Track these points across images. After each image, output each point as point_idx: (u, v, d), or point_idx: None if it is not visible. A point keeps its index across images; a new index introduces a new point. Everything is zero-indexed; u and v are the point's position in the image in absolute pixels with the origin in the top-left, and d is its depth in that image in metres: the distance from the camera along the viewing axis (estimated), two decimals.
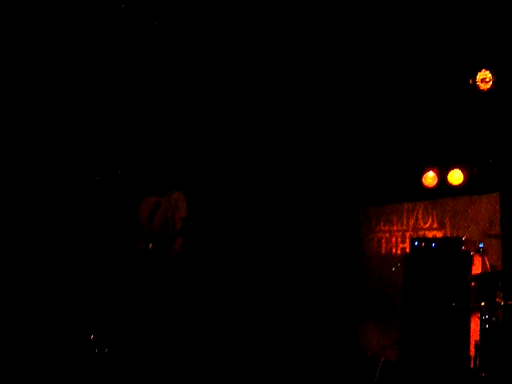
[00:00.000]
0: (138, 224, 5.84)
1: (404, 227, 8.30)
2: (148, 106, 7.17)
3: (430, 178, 7.84)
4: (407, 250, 7.56)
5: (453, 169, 7.59)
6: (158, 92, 7.16)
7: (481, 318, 5.79)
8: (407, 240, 8.07)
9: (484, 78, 6.66)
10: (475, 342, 5.80)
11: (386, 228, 8.51)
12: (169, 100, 7.26)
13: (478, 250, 6.54)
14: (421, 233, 8.05)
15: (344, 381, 6.43)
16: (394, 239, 8.40)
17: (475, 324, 6.04)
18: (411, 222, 8.25)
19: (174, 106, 7.30)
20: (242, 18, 6.46)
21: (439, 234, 7.85)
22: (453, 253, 6.66)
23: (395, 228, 8.41)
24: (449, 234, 7.71)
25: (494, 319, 5.69)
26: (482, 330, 5.74)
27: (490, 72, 6.59)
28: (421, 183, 7.89)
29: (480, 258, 6.50)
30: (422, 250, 6.97)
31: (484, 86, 6.64)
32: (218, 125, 7.68)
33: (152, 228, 5.68)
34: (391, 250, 8.37)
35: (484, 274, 6.34)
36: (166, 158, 5.95)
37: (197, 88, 7.30)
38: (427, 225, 8.06)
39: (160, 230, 5.68)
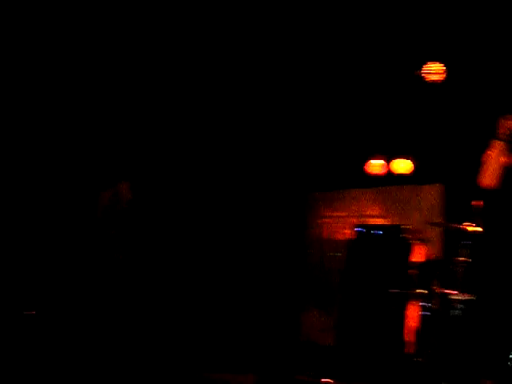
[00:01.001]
0: (96, 216, 5.95)
1: (349, 213, 8.37)
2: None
3: (376, 166, 7.92)
4: (351, 237, 7.62)
5: (399, 158, 7.69)
6: (106, 86, 7.07)
7: (419, 305, 5.90)
8: (351, 227, 8.13)
9: (432, 69, 6.75)
10: (412, 327, 5.92)
11: (331, 214, 8.56)
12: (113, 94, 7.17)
13: (419, 239, 6.65)
14: (365, 220, 8.14)
15: (284, 366, 6.47)
16: (338, 225, 8.46)
17: (414, 311, 6.16)
18: (356, 209, 8.33)
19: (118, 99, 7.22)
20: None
21: (383, 222, 7.95)
22: (395, 240, 6.77)
23: (340, 214, 8.47)
24: (392, 223, 7.82)
25: (431, 306, 5.80)
26: (420, 317, 5.85)
27: (438, 64, 6.68)
28: (367, 171, 7.97)
29: (421, 247, 6.61)
30: (365, 236, 7.06)
31: (431, 78, 6.73)
32: (160, 112, 7.60)
33: (107, 219, 5.83)
34: (335, 235, 8.44)
35: (424, 262, 6.45)
36: (114, 152, 6.00)
37: (142, 82, 7.21)
38: (372, 212, 8.15)
39: (114, 220, 5.84)
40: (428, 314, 5.73)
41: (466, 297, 5.27)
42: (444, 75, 6.79)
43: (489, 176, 3.73)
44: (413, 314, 6.15)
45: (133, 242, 6.60)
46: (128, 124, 7.34)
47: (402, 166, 7.67)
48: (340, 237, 8.35)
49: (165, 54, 7.16)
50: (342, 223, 8.40)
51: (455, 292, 5.38)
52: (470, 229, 5.38)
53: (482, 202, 5.75)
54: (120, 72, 7.11)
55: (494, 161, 3.70)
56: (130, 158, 7.06)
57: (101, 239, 6.29)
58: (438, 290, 5.74)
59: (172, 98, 7.58)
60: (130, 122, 7.37)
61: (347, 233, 8.19)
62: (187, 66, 7.34)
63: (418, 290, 5.91)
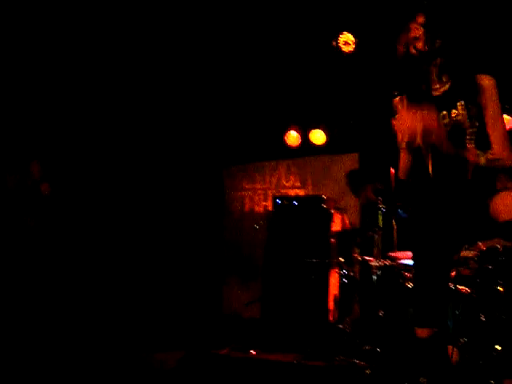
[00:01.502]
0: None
1: (267, 185, 8.42)
2: None
3: (292, 138, 7.96)
4: (270, 208, 7.67)
5: (315, 128, 7.76)
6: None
7: (339, 273, 6.02)
8: (270, 198, 8.19)
9: (346, 40, 6.80)
10: (334, 295, 6.05)
11: (250, 186, 8.58)
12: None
13: (337, 208, 6.77)
14: (283, 191, 8.21)
15: (207, 339, 6.47)
16: (256, 197, 8.50)
17: (334, 279, 6.28)
18: (274, 181, 8.38)
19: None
20: None
21: (301, 193, 8.05)
22: (314, 211, 6.86)
23: (258, 186, 8.51)
24: (310, 193, 7.94)
25: (351, 274, 5.93)
26: (341, 285, 5.97)
27: (352, 35, 6.74)
28: (284, 142, 8.00)
29: (340, 216, 6.73)
30: (284, 208, 7.12)
31: (346, 49, 6.78)
32: (68, 86, 7.34)
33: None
34: (254, 208, 8.48)
35: (343, 231, 6.58)
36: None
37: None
38: (290, 183, 8.23)
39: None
40: (349, 281, 5.85)
41: (383, 263, 5.41)
42: (355, 46, 6.86)
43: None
44: (334, 283, 6.28)
45: (48, 222, 6.46)
46: (36, 101, 7.05)
47: (318, 136, 7.73)
48: (259, 209, 8.39)
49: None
50: (261, 195, 8.44)
51: (374, 259, 5.51)
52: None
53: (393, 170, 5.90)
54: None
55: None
56: (41, 136, 6.85)
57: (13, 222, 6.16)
58: (357, 258, 5.88)
59: (80, 73, 7.31)
60: (38, 99, 7.08)
61: (266, 204, 8.25)
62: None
63: (338, 259, 6.03)
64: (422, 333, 3.27)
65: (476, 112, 3.25)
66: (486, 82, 3.21)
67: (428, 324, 3.25)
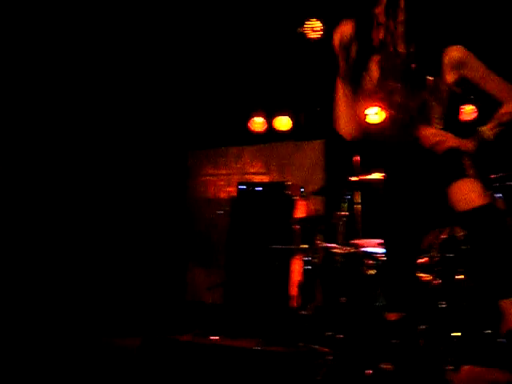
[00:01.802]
0: None
1: (231, 171, 8.38)
2: None
3: (257, 123, 7.93)
4: (234, 194, 7.65)
5: (280, 115, 7.74)
6: None
7: (302, 260, 6.02)
8: (234, 184, 8.14)
9: (313, 26, 6.79)
10: (297, 282, 6.05)
11: (214, 172, 8.53)
12: None
13: (302, 195, 6.77)
14: (248, 177, 8.18)
15: (169, 325, 6.44)
16: (220, 183, 8.46)
17: (298, 266, 6.29)
18: (238, 166, 8.35)
19: None
20: None
21: (266, 179, 8.03)
22: (278, 197, 6.86)
23: (222, 172, 8.46)
24: (275, 179, 7.92)
25: (314, 260, 5.94)
26: (304, 271, 5.98)
27: (319, 21, 6.73)
28: (248, 128, 7.96)
29: (304, 203, 6.74)
30: (249, 193, 7.11)
31: (313, 35, 6.77)
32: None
33: None
34: (218, 194, 8.43)
35: (307, 217, 6.58)
36: None
37: None
38: (254, 169, 8.20)
39: None
40: (312, 267, 5.86)
41: (347, 250, 5.43)
42: (322, 33, 6.85)
43: (343, 124, 3.36)
44: (297, 269, 6.28)
45: None
46: None
47: (284, 122, 7.73)
48: (223, 195, 8.35)
49: None
50: (225, 181, 8.40)
51: (337, 246, 5.52)
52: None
53: (358, 157, 5.92)
54: None
55: (342, 104, 3.33)
56: None
57: None
58: (321, 245, 5.89)
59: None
60: None
61: (230, 190, 8.21)
62: None
63: (301, 245, 6.03)
64: (392, 316, 3.29)
65: (446, 94, 3.22)
66: (457, 53, 3.18)
67: (397, 308, 3.27)
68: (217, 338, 5.95)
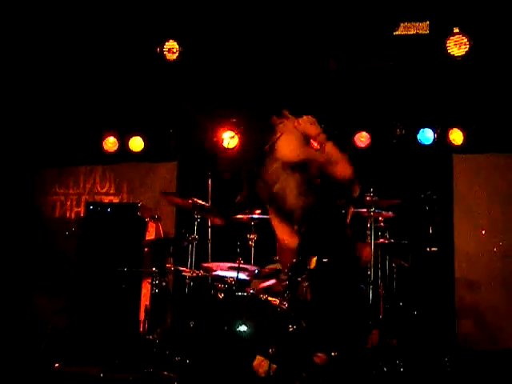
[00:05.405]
0: None
1: (80, 191, 8.11)
2: None
3: (109, 143, 7.77)
4: (83, 215, 7.39)
5: (134, 135, 7.64)
6: None
7: (151, 283, 5.91)
8: (83, 204, 7.89)
9: (171, 48, 6.82)
10: (145, 306, 5.92)
11: (62, 191, 8.21)
12: None
13: (152, 217, 6.68)
14: (98, 197, 7.96)
15: (13, 346, 6.08)
16: (69, 203, 8.15)
17: (146, 289, 6.17)
18: (88, 186, 8.10)
19: None
20: None
21: (116, 200, 7.85)
22: (128, 218, 6.74)
23: (71, 191, 8.16)
24: (126, 200, 7.78)
25: (163, 284, 5.85)
26: (152, 295, 5.85)
27: (177, 42, 6.77)
28: (100, 147, 7.77)
29: (154, 225, 6.66)
30: (98, 214, 6.91)
31: (170, 56, 6.80)
32: None
33: None
34: (66, 213, 8.12)
35: (157, 239, 6.50)
36: None
37: None
38: (104, 189, 8.00)
39: None
40: (160, 290, 5.77)
41: (197, 273, 5.42)
42: (179, 54, 6.90)
43: None
44: (147, 293, 6.16)
45: None
46: None
47: (137, 143, 7.63)
48: (71, 214, 8.06)
49: None
50: (74, 200, 8.11)
51: (187, 269, 5.49)
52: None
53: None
54: None
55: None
56: None
57: None
58: (170, 268, 5.82)
59: None
60: None
61: (79, 211, 7.94)
62: None
63: (151, 268, 5.92)
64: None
65: None
66: None
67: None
68: (58, 364, 5.64)
